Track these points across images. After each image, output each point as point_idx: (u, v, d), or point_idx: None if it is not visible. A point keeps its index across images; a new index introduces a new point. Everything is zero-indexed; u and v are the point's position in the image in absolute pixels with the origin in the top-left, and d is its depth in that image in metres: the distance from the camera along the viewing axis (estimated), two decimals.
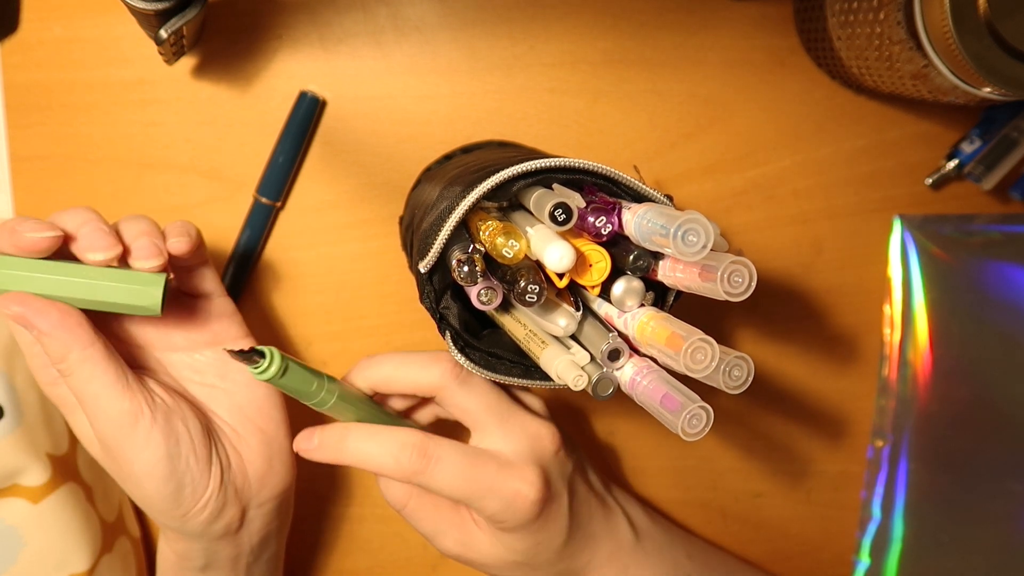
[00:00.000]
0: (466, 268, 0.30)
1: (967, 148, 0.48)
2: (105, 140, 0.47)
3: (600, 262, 0.31)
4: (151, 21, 0.37)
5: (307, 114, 0.47)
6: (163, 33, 0.38)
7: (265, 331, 0.49)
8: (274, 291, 0.49)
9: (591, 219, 0.30)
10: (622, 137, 0.48)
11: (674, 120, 0.49)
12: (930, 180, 0.49)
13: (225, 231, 0.48)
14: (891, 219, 0.50)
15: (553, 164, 0.32)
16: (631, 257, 0.31)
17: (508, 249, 0.30)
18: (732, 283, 0.28)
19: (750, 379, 0.29)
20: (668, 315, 0.31)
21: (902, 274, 0.49)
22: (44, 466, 0.42)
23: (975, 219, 0.49)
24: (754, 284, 0.28)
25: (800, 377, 0.52)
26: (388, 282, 0.49)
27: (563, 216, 0.29)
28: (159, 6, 0.36)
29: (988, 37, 0.35)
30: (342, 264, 0.49)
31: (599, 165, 0.32)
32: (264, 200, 0.47)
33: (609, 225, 0.30)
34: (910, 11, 0.37)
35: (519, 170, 0.31)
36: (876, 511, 0.50)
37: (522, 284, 0.30)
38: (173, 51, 0.42)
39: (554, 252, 0.29)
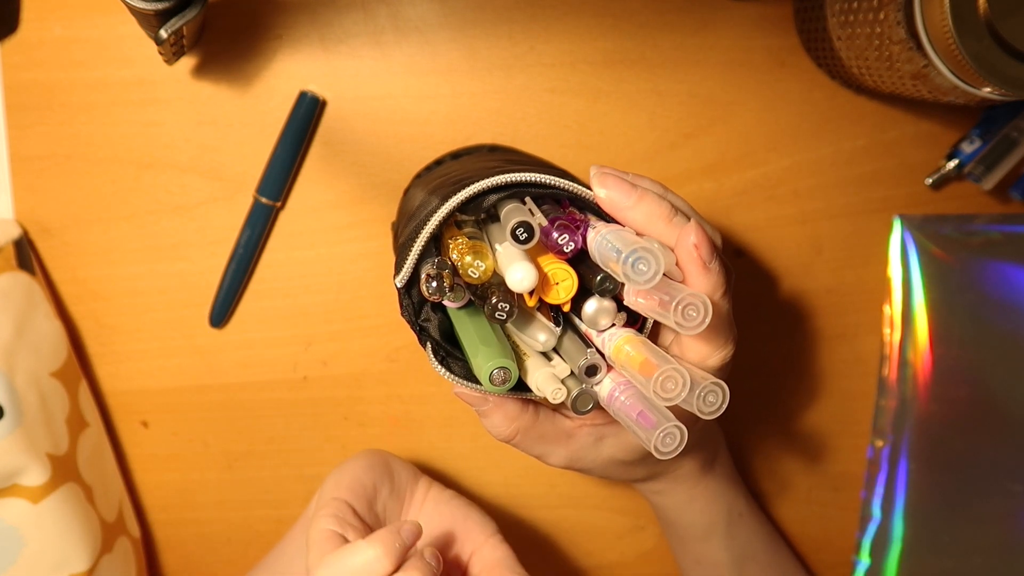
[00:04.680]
0: (434, 283, 0.30)
1: (967, 148, 0.48)
2: (105, 140, 0.47)
3: (566, 280, 0.31)
4: (151, 21, 0.37)
5: (307, 114, 0.47)
6: (163, 33, 0.38)
7: (266, 331, 0.49)
8: (274, 291, 0.49)
9: (555, 235, 0.30)
10: (622, 137, 0.48)
11: (674, 120, 0.49)
12: (930, 180, 0.49)
13: (225, 231, 0.48)
14: (891, 219, 0.50)
15: (519, 179, 0.31)
16: (598, 279, 0.31)
17: (474, 270, 0.30)
18: (686, 316, 0.28)
19: (724, 406, 0.29)
20: (645, 339, 0.31)
21: (902, 274, 0.49)
22: (44, 466, 0.42)
23: (975, 219, 0.49)
24: (709, 319, 0.28)
25: (800, 377, 0.52)
26: (388, 282, 0.49)
27: (524, 235, 0.29)
28: (159, 6, 0.36)
29: (988, 37, 0.35)
30: (342, 264, 0.49)
31: (566, 183, 0.32)
32: (264, 200, 0.47)
33: (572, 243, 0.30)
34: (910, 11, 0.37)
35: (486, 184, 0.31)
36: (876, 511, 0.50)
37: (493, 300, 0.30)
38: (173, 51, 0.42)
39: (515, 273, 0.29)
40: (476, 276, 0.30)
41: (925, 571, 0.50)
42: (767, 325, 0.51)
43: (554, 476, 0.52)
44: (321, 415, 0.50)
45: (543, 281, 0.31)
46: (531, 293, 0.31)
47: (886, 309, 0.50)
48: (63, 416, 0.45)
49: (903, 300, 0.49)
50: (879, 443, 0.50)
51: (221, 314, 0.49)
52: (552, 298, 0.31)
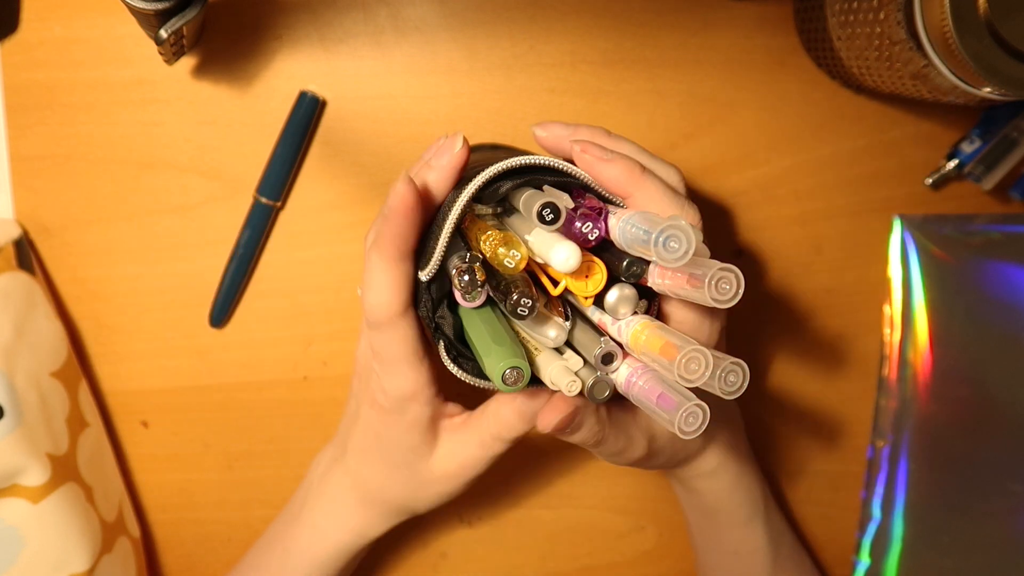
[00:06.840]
0: (467, 277, 0.30)
1: (967, 148, 0.48)
2: (105, 140, 0.47)
3: (597, 274, 0.31)
4: (151, 21, 0.37)
5: (307, 114, 0.47)
6: (163, 33, 0.38)
7: (266, 331, 0.49)
8: (274, 291, 0.49)
9: (578, 224, 0.30)
10: None
11: (674, 120, 0.49)
12: (930, 180, 0.49)
13: (225, 231, 0.48)
14: (891, 219, 0.50)
15: (538, 163, 0.31)
16: (624, 264, 0.30)
17: (510, 260, 0.29)
18: (720, 290, 0.28)
19: (745, 385, 0.29)
20: (661, 324, 0.31)
21: (902, 274, 0.49)
22: (44, 466, 0.42)
23: (975, 219, 0.49)
24: (742, 291, 0.28)
25: (800, 377, 0.52)
26: None
27: (551, 216, 0.29)
28: (159, 6, 0.36)
29: (988, 37, 0.35)
30: (342, 264, 0.49)
31: (583, 171, 0.32)
32: (264, 200, 0.47)
33: (596, 231, 0.30)
34: (910, 11, 0.37)
35: (503, 167, 0.31)
36: (876, 511, 0.50)
37: (515, 296, 0.29)
38: (173, 51, 0.42)
39: (560, 252, 0.28)
40: (512, 266, 0.29)
41: (925, 571, 0.50)
42: (767, 325, 0.51)
43: (554, 476, 0.52)
44: (321, 415, 0.50)
45: (580, 268, 0.30)
46: (556, 284, 0.31)
47: (886, 309, 0.50)
48: (63, 416, 0.45)
49: (903, 300, 0.49)
50: (879, 443, 0.50)
51: (221, 314, 0.49)
52: (581, 291, 0.31)
